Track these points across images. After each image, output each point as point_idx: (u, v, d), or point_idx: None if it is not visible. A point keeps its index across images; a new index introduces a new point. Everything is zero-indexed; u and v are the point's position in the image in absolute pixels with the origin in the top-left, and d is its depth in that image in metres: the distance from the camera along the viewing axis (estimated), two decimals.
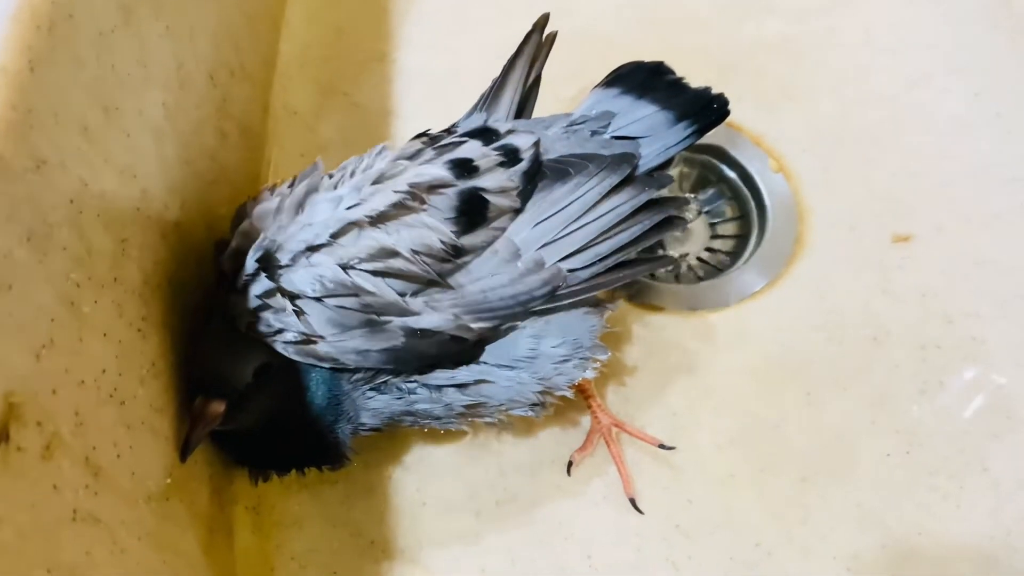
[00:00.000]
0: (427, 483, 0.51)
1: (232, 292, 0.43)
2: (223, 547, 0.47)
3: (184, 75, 0.48)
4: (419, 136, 0.50)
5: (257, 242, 0.43)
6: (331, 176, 0.46)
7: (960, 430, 0.53)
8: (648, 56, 0.53)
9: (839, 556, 0.49)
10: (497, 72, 0.52)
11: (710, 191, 0.64)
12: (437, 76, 0.66)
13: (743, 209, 0.63)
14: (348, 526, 0.50)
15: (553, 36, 0.53)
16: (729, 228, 0.63)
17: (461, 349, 0.43)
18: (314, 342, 0.41)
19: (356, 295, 0.41)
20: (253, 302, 0.42)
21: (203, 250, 0.48)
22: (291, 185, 0.47)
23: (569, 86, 0.62)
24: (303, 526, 0.50)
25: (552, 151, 0.47)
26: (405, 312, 0.41)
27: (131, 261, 0.39)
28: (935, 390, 0.54)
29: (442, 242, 0.42)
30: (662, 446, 0.51)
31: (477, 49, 0.66)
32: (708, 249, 0.62)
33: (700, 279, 0.60)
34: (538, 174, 0.45)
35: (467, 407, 0.45)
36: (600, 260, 0.45)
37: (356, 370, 0.43)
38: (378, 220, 0.42)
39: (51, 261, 0.32)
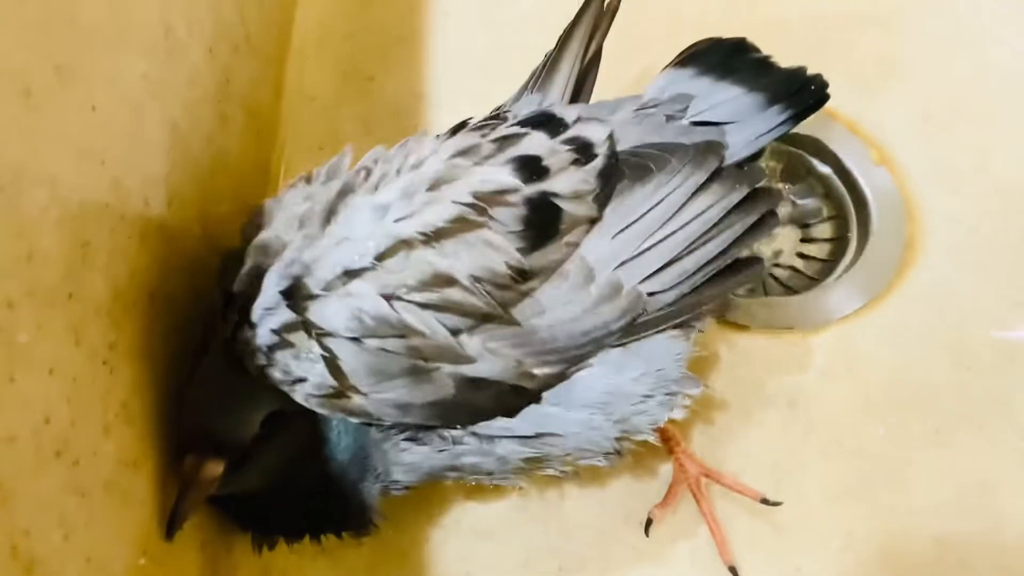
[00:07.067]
0: (472, 548, 0.45)
1: (242, 324, 0.36)
2: None
3: (173, 43, 0.41)
4: (461, 125, 0.45)
5: (281, 264, 0.36)
6: (366, 173, 0.40)
7: None
8: (720, 31, 0.48)
9: None
10: (548, 47, 0.47)
11: (799, 187, 0.56)
12: (476, 56, 0.60)
13: (839, 208, 0.55)
14: None
15: (616, 3, 0.48)
16: (823, 231, 0.55)
17: (521, 402, 0.37)
18: (346, 395, 0.35)
19: (403, 336, 0.35)
20: (268, 338, 0.35)
21: (197, 256, 0.42)
22: (310, 181, 0.40)
23: (629, 66, 0.56)
24: None
25: (623, 140, 0.42)
26: (459, 358, 0.35)
27: (95, 272, 0.32)
28: None
29: (507, 264, 0.36)
30: (765, 500, 0.44)
31: (523, 22, 0.60)
32: (800, 255, 0.54)
33: (792, 291, 0.52)
34: (615, 173, 0.40)
35: (526, 460, 0.39)
36: (686, 279, 0.39)
37: None
38: (433, 238, 0.36)
39: None
